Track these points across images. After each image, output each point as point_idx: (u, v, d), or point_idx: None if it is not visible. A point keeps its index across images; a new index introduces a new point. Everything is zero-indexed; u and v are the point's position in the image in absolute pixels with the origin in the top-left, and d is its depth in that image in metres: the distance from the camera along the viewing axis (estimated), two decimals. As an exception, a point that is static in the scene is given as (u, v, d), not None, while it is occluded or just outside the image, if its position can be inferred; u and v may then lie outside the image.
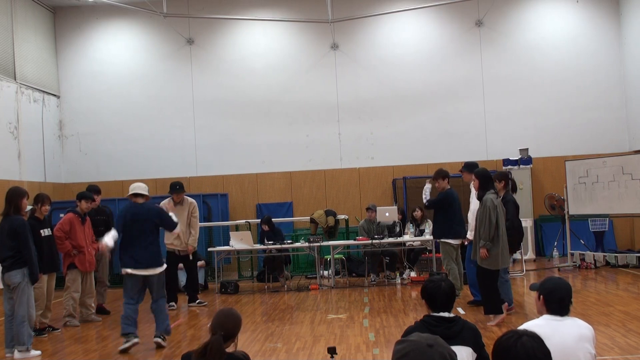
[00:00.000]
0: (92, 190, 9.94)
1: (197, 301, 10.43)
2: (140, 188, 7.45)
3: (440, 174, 9.68)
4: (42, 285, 8.21)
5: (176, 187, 10.34)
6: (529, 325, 3.43)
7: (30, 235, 7.30)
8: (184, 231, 10.18)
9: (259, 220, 14.03)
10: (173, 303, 10.19)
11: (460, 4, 14.71)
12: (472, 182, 8.20)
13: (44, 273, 8.17)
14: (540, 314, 3.61)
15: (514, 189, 8.74)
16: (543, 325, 3.41)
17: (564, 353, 3.30)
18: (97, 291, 9.86)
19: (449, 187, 9.67)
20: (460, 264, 9.60)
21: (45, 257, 8.13)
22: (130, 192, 7.40)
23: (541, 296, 3.57)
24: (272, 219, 12.33)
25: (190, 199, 10.57)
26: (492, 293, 7.64)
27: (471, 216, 8.75)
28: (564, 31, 15.21)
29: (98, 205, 9.99)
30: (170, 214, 7.62)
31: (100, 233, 9.72)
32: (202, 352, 3.28)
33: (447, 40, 15.35)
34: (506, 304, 7.91)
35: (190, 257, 10.47)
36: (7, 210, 7.26)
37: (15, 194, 7.33)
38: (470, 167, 8.95)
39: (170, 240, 10.20)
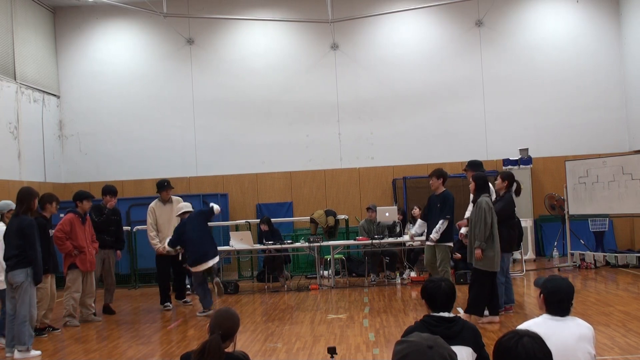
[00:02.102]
0: (110, 191, 9.95)
1: (184, 300, 10.50)
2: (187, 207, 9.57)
3: (437, 172, 9.58)
4: (46, 286, 8.22)
5: (164, 184, 10.29)
6: (528, 324, 3.44)
7: (38, 235, 7.30)
8: (160, 248, 10.21)
9: (259, 220, 14.06)
10: (168, 303, 10.19)
11: (460, 4, 14.70)
12: (470, 184, 8.17)
13: (50, 272, 8.21)
14: (541, 310, 3.61)
15: (518, 191, 8.68)
16: (542, 325, 3.41)
17: (564, 353, 3.30)
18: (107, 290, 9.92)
19: (444, 189, 9.61)
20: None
21: (51, 257, 8.19)
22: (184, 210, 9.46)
23: (542, 295, 3.58)
24: (272, 219, 12.35)
25: (177, 197, 10.55)
26: (483, 296, 7.66)
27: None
28: (564, 31, 15.21)
29: (114, 205, 10.03)
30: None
31: (111, 233, 9.79)
32: (200, 351, 3.27)
33: (447, 40, 15.34)
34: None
35: (180, 258, 10.49)
36: (18, 210, 7.26)
37: (28, 195, 7.33)
38: (474, 165, 8.92)
39: (157, 240, 10.18)
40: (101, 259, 9.76)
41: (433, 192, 9.75)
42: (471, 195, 8.21)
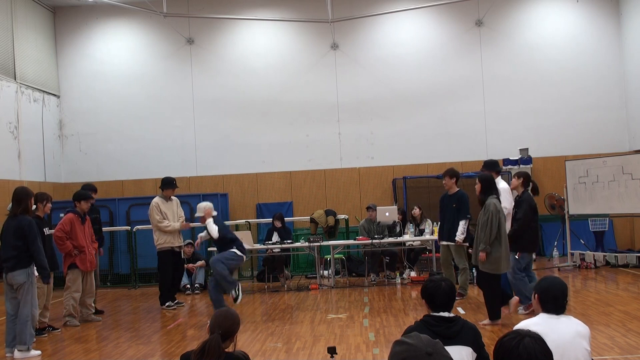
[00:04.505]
0: (89, 188, 9.95)
1: (176, 301, 10.39)
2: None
3: (450, 172, 9.62)
4: (43, 285, 8.21)
5: (173, 182, 10.30)
6: (525, 324, 3.44)
7: (39, 234, 7.29)
8: (178, 227, 10.26)
9: (259, 220, 14.07)
10: (171, 302, 10.16)
11: (460, 4, 14.70)
12: (476, 185, 8.12)
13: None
14: (537, 312, 3.62)
15: (535, 190, 8.66)
16: (539, 324, 3.41)
17: (561, 350, 3.30)
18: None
19: (457, 188, 9.61)
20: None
21: (48, 256, 8.17)
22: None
23: (537, 295, 3.59)
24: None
25: (173, 197, 10.57)
26: (495, 298, 7.63)
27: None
28: (564, 31, 15.21)
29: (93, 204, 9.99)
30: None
31: (95, 231, 9.76)
32: (200, 351, 3.28)
33: (447, 40, 15.34)
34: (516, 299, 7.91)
35: (183, 256, 10.51)
36: (15, 210, 7.23)
37: (25, 194, 7.30)
38: (490, 165, 8.91)
39: (166, 238, 10.14)
40: None
41: (445, 192, 9.74)
42: (506, 197, 8.15)
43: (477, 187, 7.84)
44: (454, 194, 9.53)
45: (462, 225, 9.34)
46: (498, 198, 7.77)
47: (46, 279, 7.39)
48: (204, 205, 9.31)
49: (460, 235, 9.37)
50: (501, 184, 8.57)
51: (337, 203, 14.95)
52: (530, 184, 8.53)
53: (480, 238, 7.54)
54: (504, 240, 7.59)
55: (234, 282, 9.06)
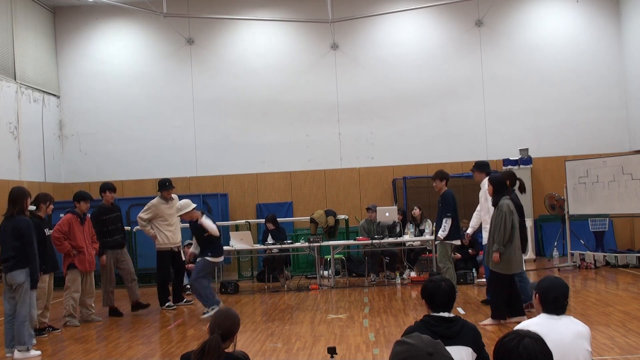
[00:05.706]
0: (108, 187, 9.96)
1: (185, 300, 10.45)
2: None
3: (439, 174, 9.69)
4: (44, 285, 8.22)
5: (166, 184, 10.29)
6: (526, 324, 3.44)
7: (35, 236, 7.28)
8: (177, 228, 10.25)
9: (259, 220, 14.05)
10: (171, 303, 10.16)
11: (460, 4, 14.70)
12: (487, 187, 8.11)
13: (45, 272, 8.20)
14: (537, 312, 3.61)
15: (522, 189, 8.69)
16: (540, 324, 3.41)
17: (561, 350, 3.30)
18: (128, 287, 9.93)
19: (446, 188, 9.66)
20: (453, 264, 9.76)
21: (49, 256, 8.19)
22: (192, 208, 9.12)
23: (537, 295, 3.59)
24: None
25: (174, 196, 10.54)
26: (502, 299, 7.62)
27: (487, 217, 8.50)
28: (563, 31, 15.21)
29: (112, 202, 10.07)
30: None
31: (118, 229, 9.80)
32: (200, 351, 3.28)
33: (447, 40, 15.34)
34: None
35: (184, 257, 10.51)
36: (12, 210, 7.22)
37: (21, 194, 7.29)
38: (480, 166, 8.95)
39: (164, 239, 10.12)
40: (115, 259, 9.79)
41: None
42: (489, 198, 8.15)
43: (489, 189, 7.87)
44: (442, 194, 9.63)
45: (443, 223, 9.38)
46: (511, 198, 7.78)
47: (34, 283, 7.21)
48: (185, 202, 9.20)
49: (441, 232, 9.36)
50: (487, 186, 8.56)
51: (337, 203, 14.95)
52: (517, 182, 8.53)
53: (495, 238, 7.53)
54: (516, 241, 7.59)
55: (216, 301, 9.01)
